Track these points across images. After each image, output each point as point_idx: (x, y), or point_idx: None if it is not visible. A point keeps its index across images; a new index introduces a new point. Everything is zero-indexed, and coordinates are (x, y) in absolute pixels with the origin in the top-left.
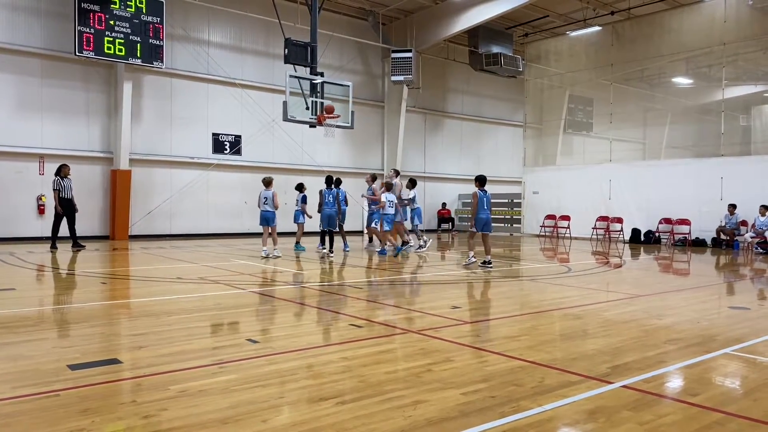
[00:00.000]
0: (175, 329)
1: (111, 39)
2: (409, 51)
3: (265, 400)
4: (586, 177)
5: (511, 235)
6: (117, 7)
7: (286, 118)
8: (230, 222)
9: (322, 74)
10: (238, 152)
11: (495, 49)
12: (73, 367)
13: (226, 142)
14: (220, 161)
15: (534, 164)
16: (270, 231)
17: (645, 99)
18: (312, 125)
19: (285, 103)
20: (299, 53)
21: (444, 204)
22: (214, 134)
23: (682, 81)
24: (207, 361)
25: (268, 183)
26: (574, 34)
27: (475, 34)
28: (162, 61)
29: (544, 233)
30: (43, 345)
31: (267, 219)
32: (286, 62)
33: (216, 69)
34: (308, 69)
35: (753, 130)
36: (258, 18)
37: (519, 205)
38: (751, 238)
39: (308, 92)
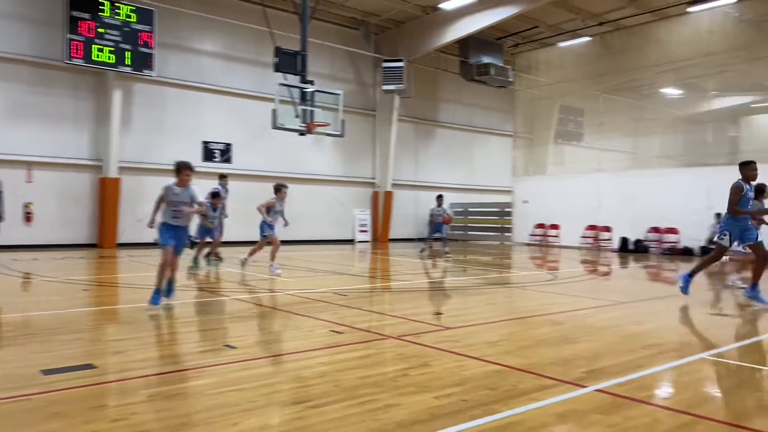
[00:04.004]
0: (154, 335)
1: (100, 47)
2: (401, 61)
3: (238, 403)
4: (575, 186)
5: (502, 243)
6: (107, 15)
7: (275, 126)
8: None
9: (312, 83)
10: (228, 160)
11: (485, 60)
12: (47, 372)
13: (216, 150)
14: (210, 169)
15: (524, 174)
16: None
17: (634, 109)
18: (302, 133)
19: (274, 111)
20: (289, 62)
21: None
22: (204, 142)
23: (671, 91)
24: (182, 366)
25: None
26: (563, 44)
27: (465, 44)
28: (152, 70)
29: (533, 242)
30: (20, 351)
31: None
32: (276, 71)
33: (207, 77)
34: (298, 77)
35: (740, 140)
36: (249, 27)
37: (509, 214)
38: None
39: (298, 100)
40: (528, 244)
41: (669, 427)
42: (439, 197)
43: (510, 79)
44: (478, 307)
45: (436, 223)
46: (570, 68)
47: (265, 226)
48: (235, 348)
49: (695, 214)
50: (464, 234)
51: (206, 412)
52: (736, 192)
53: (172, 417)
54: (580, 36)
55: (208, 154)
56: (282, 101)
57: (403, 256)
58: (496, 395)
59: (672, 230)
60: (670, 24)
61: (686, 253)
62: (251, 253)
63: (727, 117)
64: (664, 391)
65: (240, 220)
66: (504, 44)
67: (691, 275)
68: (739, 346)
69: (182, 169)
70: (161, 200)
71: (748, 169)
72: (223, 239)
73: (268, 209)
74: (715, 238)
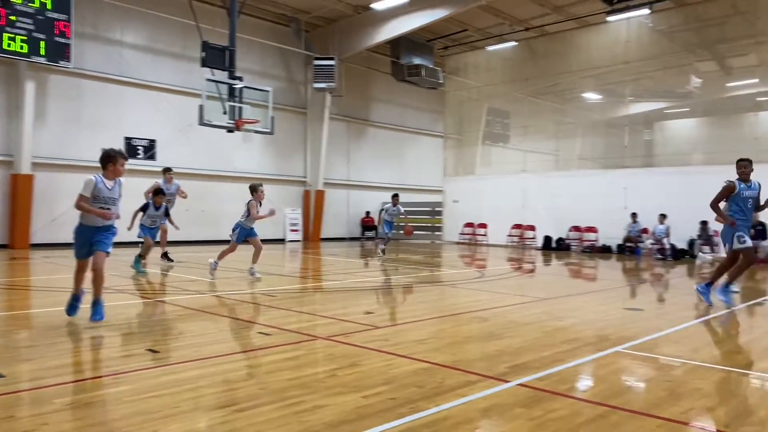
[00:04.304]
0: (69, 341)
1: (12, 35)
2: (332, 59)
3: (158, 410)
4: (502, 187)
5: (433, 242)
6: (19, 2)
7: (202, 123)
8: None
9: (241, 79)
10: (152, 157)
11: (416, 61)
12: None
13: (139, 147)
14: (133, 166)
15: (454, 174)
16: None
17: (557, 113)
18: (230, 130)
19: (201, 107)
20: (217, 57)
21: (368, 212)
22: (126, 138)
23: (591, 96)
24: (100, 373)
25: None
26: (491, 48)
27: (397, 44)
28: (69, 61)
29: (463, 241)
30: None
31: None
32: (203, 65)
33: (129, 70)
34: (227, 73)
35: (654, 143)
36: (174, 19)
37: (440, 213)
38: (651, 244)
39: (226, 96)
40: (458, 243)
41: (587, 419)
42: (395, 196)
43: (440, 81)
44: (408, 305)
45: (389, 222)
46: (497, 71)
47: (241, 229)
48: (157, 352)
49: (613, 214)
50: (396, 233)
51: (124, 420)
52: (723, 190)
53: (87, 426)
54: (507, 40)
55: (131, 151)
56: (209, 97)
57: (334, 255)
58: (423, 392)
59: (591, 229)
60: (590, 32)
61: (605, 251)
62: (221, 256)
63: (643, 122)
64: (582, 384)
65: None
66: (434, 46)
67: (727, 285)
68: (651, 338)
69: (116, 158)
70: (87, 201)
71: (737, 166)
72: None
73: (249, 212)
74: (735, 246)
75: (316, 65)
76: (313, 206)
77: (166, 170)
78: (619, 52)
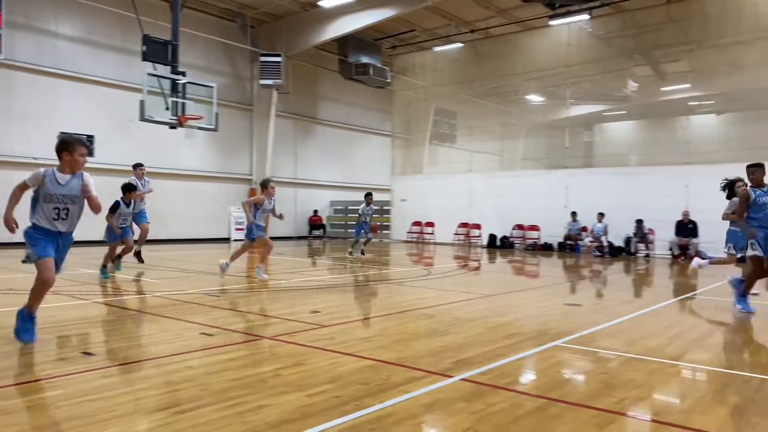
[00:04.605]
0: None
1: None
2: (279, 55)
3: (93, 414)
4: (449, 186)
5: (381, 240)
6: None
7: (143, 118)
8: (80, 229)
9: (184, 74)
10: (90, 153)
11: (364, 59)
12: None
13: None
14: None
15: (402, 173)
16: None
17: (502, 114)
18: (172, 126)
19: (142, 102)
20: (159, 51)
21: (315, 211)
22: (62, 133)
23: (534, 98)
24: (32, 377)
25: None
26: (438, 49)
27: (344, 43)
28: None
29: (411, 239)
30: None
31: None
32: (144, 60)
33: (65, 63)
34: (169, 68)
35: (594, 145)
36: (113, 11)
37: (388, 212)
38: (590, 242)
39: (169, 92)
40: (406, 242)
41: (526, 411)
42: (368, 195)
43: (388, 80)
44: (356, 304)
45: (364, 223)
46: (444, 72)
47: (253, 227)
48: (93, 355)
49: (554, 213)
50: (344, 232)
51: (57, 425)
52: (742, 201)
53: None
54: (453, 42)
55: None
56: (151, 92)
57: (281, 255)
58: (368, 390)
59: (534, 227)
60: (533, 35)
61: (546, 248)
62: (233, 258)
63: (583, 124)
64: (522, 378)
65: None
66: (382, 45)
67: (743, 295)
68: (589, 332)
69: (72, 145)
70: (23, 190)
71: (747, 173)
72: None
73: (256, 207)
74: (749, 252)
75: (262, 62)
76: None
77: (137, 166)
78: (560, 56)
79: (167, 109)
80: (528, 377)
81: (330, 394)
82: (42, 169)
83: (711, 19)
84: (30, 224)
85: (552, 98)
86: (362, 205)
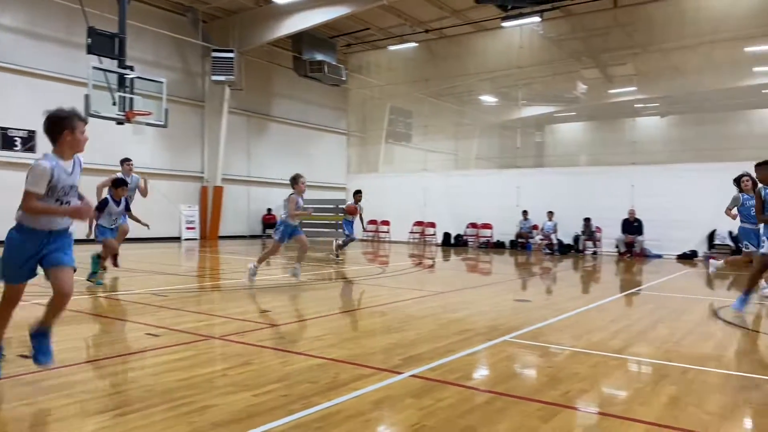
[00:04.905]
0: None
1: None
2: (231, 51)
3: (29, 419)
4: (405, 185)
5: (336, 239)
6: None
7: (88, 113)
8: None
9: (131, 68)
10: (31, 149)
11: (319, 57)
12: None
13: (16, 138)
14: (11, 159)
15: (358, 171)
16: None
17: (456, 114)
18: (120, 122)
19: (87, 97)
20: (105, 44)
21: (269, 209)
22: (1, 128)
23: (488, 99)
24: None
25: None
26: (393, 48)
27: (299, 40)
28: None
29: (367, 238)
30: None
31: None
32: (89, 53)
33: (5, 55)
34: (116, 62)
35: (545, 145)
36: (57, 2)
37: (344, 210)
38: (540, 240)
39: (116, 86)
40: (361, 240)
41: (473, 405)
42: (357, 193)
43: (343, 78)
44: (308, 302)
45: (350, 222)
46: (399, 71)
47: (285, 226)
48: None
49: (506, 212)
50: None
51: None
52: (759, 199)
53: None
54: (408, 41)
55: (8, 142)
56: (96, 86)
57: (232, 254)
58: (316, 388)
59: (487, 226)
60: (486, 36)
61: (499, 246)
62: (261, 260)
63: (534, 124)
64: (471, 373)
65: None
66: (337, 43)
67: (746, 295)
68: (537, 327)
69: (73, 121)
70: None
71: (757, 172)
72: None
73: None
74: (762, 249)
75: (214, 57)
76: (210, 203)
77: (125, 161)
78: (512, 57)
79: (114, 104)
80: (477, 372)
81: (277, 393)
82: (43, 163)
83: (655, 24)
84: (15, 227)
85: (504, 99)
86: (350, 202)
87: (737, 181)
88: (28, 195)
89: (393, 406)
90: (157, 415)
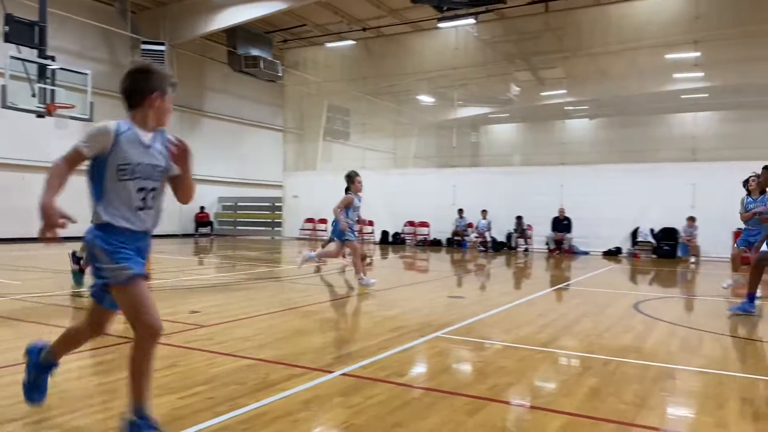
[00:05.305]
0: None
1: None
2: (162, 44)
3: None
4: (343, 183)
5: (272, 238)
6: None
7: (5, 105)
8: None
9: (53, 59)
10: None
11: (254, 52)
12: None
13: None
14: None
15: (295, 169)
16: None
17: (394, 113)
18: (40, 115)
19: (4, 88)
20: (24, 32)
21: (202, 207)
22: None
23: (425, 98)
24: None
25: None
26: (330, 45)
27: (233, 34)
28: None
29: (303, 236)
30: None
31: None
32: (6, 41)
33: None
34: (36, 51)
35: (480, 145)
36: None
37: (280, 208)
38: (475, 238)
39: (36, 77)
40: (298, 239)
41: (403, 402)
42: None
43: (279, 74)
44: (239, 302)
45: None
46: (337, 69)
47: (347, 230)
48: None
49: (443, 210)
50: (233, 229)
51: None
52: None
53: None
54: (345, 39)
55: None
56: (14, 77)
57: (162, 252)
58: (244, 389)
59: (424, 224)
60: (423, 37)
61: (435, 244)
62: (321, 255)
63: (470, 125)
64: (401, 370)
65: None
66: (273, 39)
67: (751, 298)
68: (468, 323)
69: (167, 86)
70: (73, 164)
71: (764, 174)
72: None
73: (347, 207)
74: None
75: (143, 50)
76: None
77: None
78: (448, 58)
79: (34, 96)
80: (407, 369)
81: (204, 396)
82: (106, 123)
83: (583, 29)
84: (98, 223)
85: (441, 99)
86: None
87: (745, 182)
88: (70, 151)
89: (322, 405)
90: (72, 422)
